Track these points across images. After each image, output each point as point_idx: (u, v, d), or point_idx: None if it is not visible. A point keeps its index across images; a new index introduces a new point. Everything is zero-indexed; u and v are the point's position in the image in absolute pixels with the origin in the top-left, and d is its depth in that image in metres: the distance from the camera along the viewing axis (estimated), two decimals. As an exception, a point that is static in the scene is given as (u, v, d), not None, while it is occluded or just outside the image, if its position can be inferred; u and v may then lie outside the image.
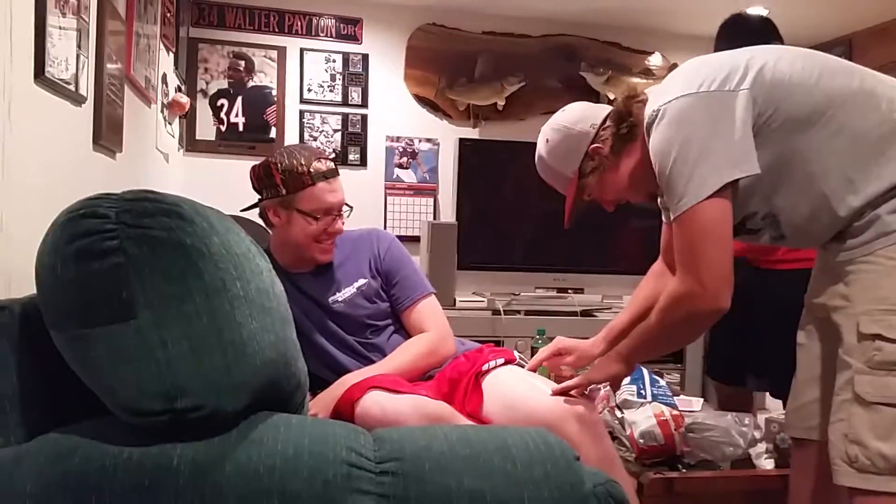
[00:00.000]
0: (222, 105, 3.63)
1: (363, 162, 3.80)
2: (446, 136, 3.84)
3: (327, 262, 1.88)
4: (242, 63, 3.65)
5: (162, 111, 2.84)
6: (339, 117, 3.77)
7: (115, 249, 0.86)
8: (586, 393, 1.59)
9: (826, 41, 3.85)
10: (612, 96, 3.86)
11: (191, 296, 0.87)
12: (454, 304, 3.30)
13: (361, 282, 1.88)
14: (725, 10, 2.51)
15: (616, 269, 3.63)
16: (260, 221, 1.91)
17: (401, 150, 3.84)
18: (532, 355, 2.36)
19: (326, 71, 3.75)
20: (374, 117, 3.81)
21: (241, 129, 3.65)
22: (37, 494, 0.82)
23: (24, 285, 0.99)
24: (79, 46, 1.60)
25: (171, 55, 3.04)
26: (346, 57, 3.77)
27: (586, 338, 1.82)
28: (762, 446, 1.82)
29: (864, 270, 1.29)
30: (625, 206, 1.63)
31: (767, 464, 1.80)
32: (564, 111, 1.60)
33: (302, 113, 3.73)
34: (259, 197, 1.86)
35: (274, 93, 3.69)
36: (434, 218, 3.82)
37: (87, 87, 1.70)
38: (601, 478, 0.96)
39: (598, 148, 1.53)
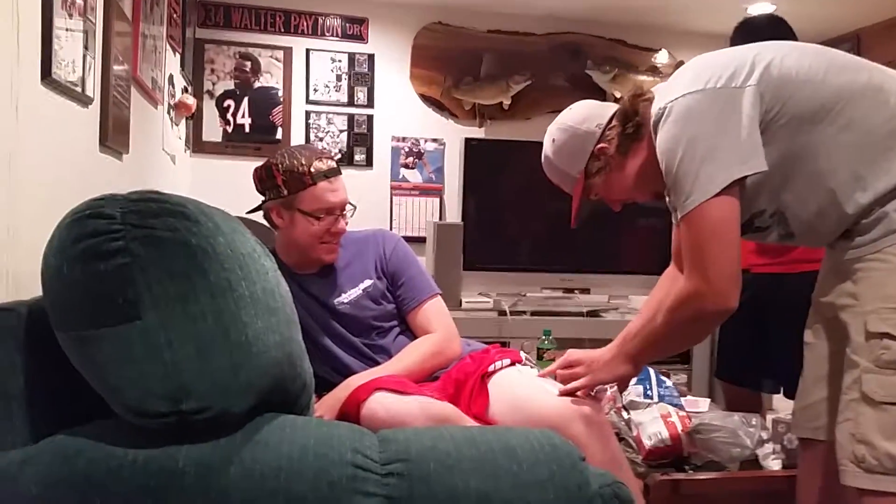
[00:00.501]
0: (228, 106, 3.64)
1: (369, 162, 3.80)
2: (452, 136, 3.84)
3: (332, 262, 1.88)
4: (249, 64, 3.66)
5: (168, 112, 2.85)
6: (345, 117, 3.77)
7: (120, 250, 0.86)
8: (593, 394, 1.59)
9: (834, 37, 3.83)
10: (618, 94, 3.85)
11: (196, 296, 0.87)
12: (460, 305, 3.30)
13: (367, 283, 1.88)
14: (731, 6, 2.51)
15: (623, 269, 3.63)
16: (266, 222, 1.92)
17: (406, 150, 3.84)
18: (538, 356, 2.36)
19: (332, 71, 3.76)
20: (379, 117, 3.81)
21: (247, 129, 3.66)
22: (43, 496, 0.82)
23: (31, 287, 0.99)
24: (85, 48, 1.60)
25: (178, 56, 3.05)
26: (351, 57, 3.77)
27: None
28: (769, 447, 1.81)
29: (873, 268, 1.28)
30: (631, 205, 1.63)
31: (775, 464, 1.79)
32: (570, 110, 1.60)
33: (308, 113, 3.74)
34: (263, 198, 1.86)
35: (280, 93, 3.69)
36: (440, 218, 3.82)
37: (93, 88, 1.70)
38: (607, 479, 0.96)
39: (604, 148, 1.52)
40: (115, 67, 1.87)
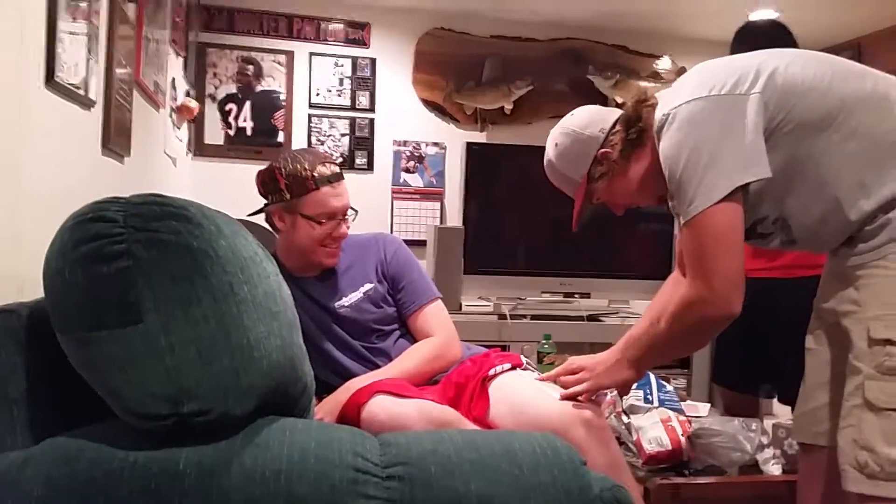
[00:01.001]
0: (230, 109, 3.65)
1: (370, 166, 3.80)
2: (453, 141, 3.84)
3: (333, 265, 1.88)
4: (251, 67, 3.66)
5: (171, 115, 2.85)
6: (347, 121, 3.78)
7: (122, 253, 0.86)
8: (593, 398, 1.59)
9: (835, 44, 3.84)
10: (620, 100, 3.85)
11: (198, 299, 0.87)
12: (460, 309, 3.30)
13: (368, 286, 1.88)
14: (734, 12, 2.52)
15: (623, 273, 3.63)
16: (267, 226, 1.92)
17: (408, 154, 3.84)
18: (539, 360, 2.36)
19: (334, 75, 3.76)
20: (381, 121, 3.81)
21: (249, 133, 3.67)
22: (44, 498, 0.82)
23: (35, 289, 0.99)
24: (89, 51, 1.61)
25: (181, 60, 3.06)
26: (354, 61, 3.78)
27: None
28: (769, 452, 1.81)
29: (875, 275, 1.28)
30: (633, 210, 1.63)
31: (775, 469, 1.79)
32: (573, 115, 1.60)
33: (310, 117, 3.74)
34: (265, 202, 1.86)
35: (282, 97, 3.70)
36: (441, 222, 3.82)
37: (96, 91, 1.71)
38: (608, 483, 0.95)
39: (607, 153, 1.52)
40: (118, 71, 1.87)
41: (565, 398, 1.56)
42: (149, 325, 0.86)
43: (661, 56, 4.04)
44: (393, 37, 3.81)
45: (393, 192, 3.82)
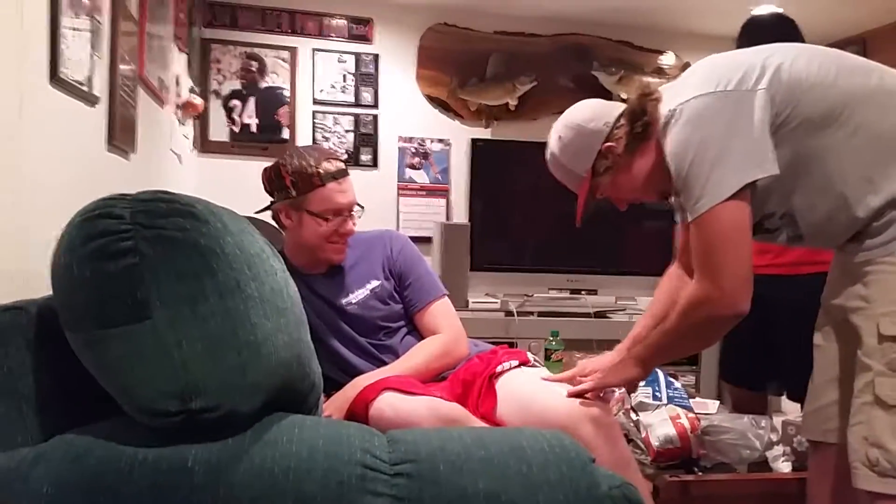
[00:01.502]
0: (235, 106, 3.64)
1: (375, 163, 3.80)
2: (458, 137, 3.84)
3: (340, 262, 1.88)
4: (255, 64, 3.66)
5: (175, 112, 2.85)
6: (351, 118, 3.77)
7: (130, 250, 0.86)
8: (601, 395, 1.58)
9: (839, 40, 3.81)
10: (624, 96, 3.83)
11: (205, 296, 0.87)
12: (467, 306, 3.29)
13: (374, 283, 1.88)
14: (738, 8, 2.50)
15: (630, 270, 3.62)
16: (273, 223, 1.92)
17: (413, 150, 3.84)
18: (546, 357, 2.36)
19: (338, 71, 3.76)
20: (385, 118, 3.81)
21: (253, 129, 3.66)
22: (53, 495, 0.82)
23: (40, 286, 0.99)
24: (92, 47, 1.60)
25: (184, 56, 3.06)
26: (357, 57, 3.77)
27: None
28: (779, 449, 1.80)
29: (884, 271, 1.28)
30: (638, 206, 1.62)
31: (784, 467, 1.79)
32: (576, 108, 1.59)
33: (314, 114, 3.74)
34: (271, 199, 1.86)
35: (286, 93, 3.69)
36: (446, 219, 3.82)
37: (100, 87, 1.70)
38: (616, 480, 0.95)
39: (611, 147, 1.51)
40: (122, 67, 1.87)
41: (572, 395, 1.55)
42: (156, 322, 0.85)
43: (666, 51, 4.03)
44: (396, 33, 3.80)
45: (399, 189, 3.82)
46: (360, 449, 0.89)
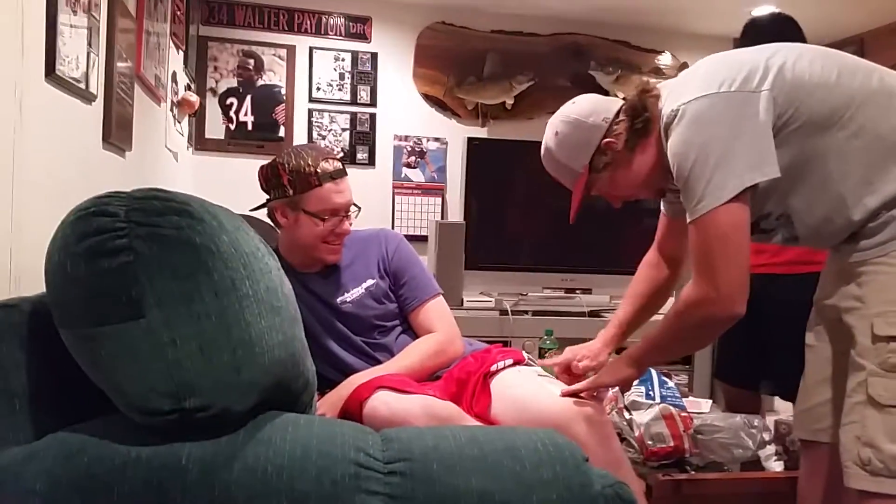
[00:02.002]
0: (231, 104, 3.64)
1: (371, 161, 3.80)
2: (455, 136, 3.84)
3: (335, 262, 1.88)
4: (252, 62, 3.66)
5: (171, 109, 2.85)
6: (348, 116, 3.77)
7: (124, 248, 0.86)
8: (595, 394, 1.59)
9: (837, 40, 3.82)
10: (621, 95, 3.83)
11: (200, 295, 0.87)
12: (462, 305, 3.30)
13: (370, 282, 1.88)
14: (735, 9, 2.51)
15: (624, 269, 3.58)
16: (269, 221, 1.91)
17: (409, 149, 3.84)
18: (540, 355, 2.36)
19: (335, 70, 3.76)
20: (382, 116, 3.81)
21: (250, 127, 3.66)
22: (47, 493, 0.82)
23: (34, 283, 0.99)
24: (89, 44, 1.60)
25: (181, 53, 3.05)
26: (354, 56, 3.77)
27: (592, 338, 1.80)
28: (771, 448, 1.81)
29: (879, 272, 1.28)
30: (634, 205, 1.62)
31: (776, 466, 1.79)
32: (575, 103, 1.56)
33: (311, 112, 3.74)
34: (267, 197, 1.86)
35: (283, 91, 3.69)
36: (442, 217, 3.82)
37: (97, 85, 1.70)
38: (610, 479, 0.95)
39: (611, 143, 1.48)
40: (119, 64, 1.87)
41: (567, 395, 1.56)
42: (151, 321, 0.85)
43: (663, 51, 4.04)
44: (394, 31, 3.80)
45: (394, 188, 3.82)
46: (353, 448, 0.90)
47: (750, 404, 2.33)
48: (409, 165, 3.84)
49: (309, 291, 1.83)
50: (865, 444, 1.24)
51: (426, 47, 3.83)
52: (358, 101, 3.78)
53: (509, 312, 3.29)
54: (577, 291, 3.55)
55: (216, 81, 3.63)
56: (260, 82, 3.67)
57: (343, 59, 3.76)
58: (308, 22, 3.72)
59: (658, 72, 3.96)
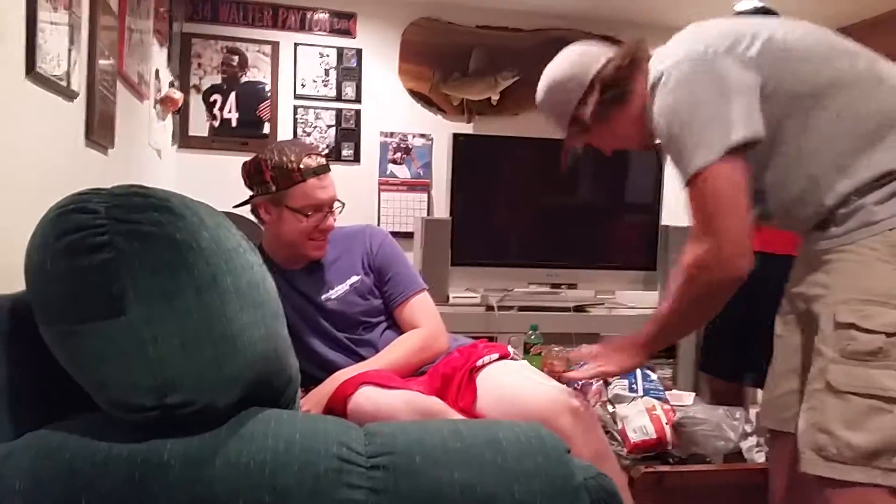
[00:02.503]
0: (215, 100, 3.62)
1: (357, 158, 3.79)
2: (440, 132, 3.84)
3: (320, 258, 1.88)
4: (236, 58, 3.64)
5: (155, 107, 2.83)
6: (333, 112, 3.76)
7: (104, 245, 0.85)
8: (578, 387, 1.60)
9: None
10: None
11: (181, 291, 0.87)
12: (447, 300, 3.30)
13: (354, 279, 1.88)
14: (718, 2, 2.52)
15: (609, 264, 3.64)
16: (253, 218, 1.91)
17: (395, 145, 3.83)
18: (525, 351, 2.37)
19: (320, 66, 3.75)
20: (367, 112, 3.80)
21: (234, 124, 3.64)
22: (27, 491, 0.82)
23: (14, 281, 0.99)
24: (71, 42, 1.59)
25: (164, 50, 3.03)
26: (339, 52, 3.76)
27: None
28: (753, 440, 1.83)
29: (846, 259, 1.28)
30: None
31: (758, 457, 1.81)
32: (561, 60, 1.56)
33: (296, 108, 3.73)
34: (251, 194, 1.86)
35: (267, 88, 3.68)
36: (428, 213, 3.82)
37: (79, 82, 1.69)
38: (592, 471, 0.96)
39: (580, 114, 1.50)
40: (101, 62, 1.86)
41: (567, 379, 1.54)
42: (132, 318, 0.85)
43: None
44: (379, 27, 3.80)
45: (380, 184, 3.81)
46: (336, 442, 0.90)
47: (734, 397, 2.35)
48: (394, 162, 3.84)
49: (293, 289, 1.84)
50: (821, 431, 1.24)
51: (411, 43, 3.83)
52: (343, 98, 3.78)
53: (495, 308, 3.30)
54: (563, 287, 3.56)
55: (200, 78, 3.61)
56: (244, 79, 3.65)
57: (328, 56, 3.75)
58: (292, 18, 3.71)
59: (642, 67, 3.97)
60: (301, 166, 1.78)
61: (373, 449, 0.91)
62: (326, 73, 3.75)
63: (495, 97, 3.86)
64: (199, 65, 3.60)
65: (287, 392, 1.06)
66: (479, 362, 1.72)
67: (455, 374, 1.73)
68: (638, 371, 1.96)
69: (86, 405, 0.92)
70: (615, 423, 1.82)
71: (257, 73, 3.67)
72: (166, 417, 0.88)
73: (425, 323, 1.87)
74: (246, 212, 1.90)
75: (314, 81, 3.74)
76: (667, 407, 1.82)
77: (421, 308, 1.90)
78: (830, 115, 1.30)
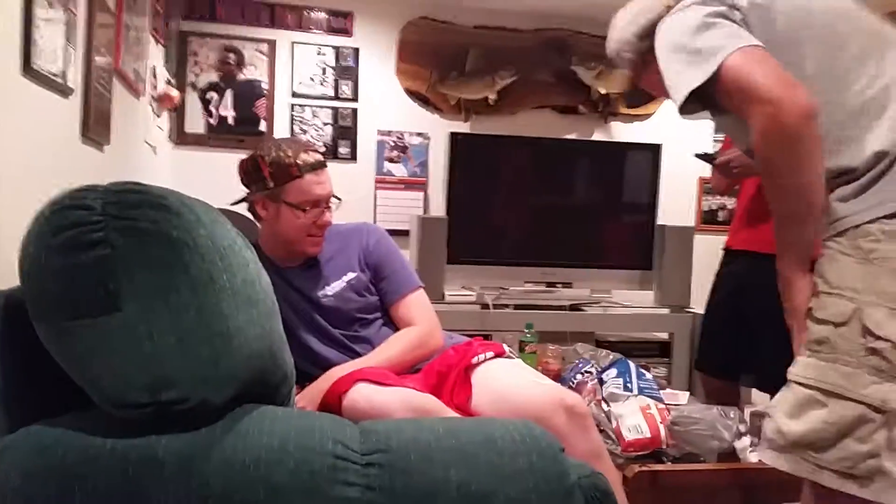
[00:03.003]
0: (212, 98, 3.62)
1: (353, 156, 3.79)
2: (437, 131, 3.84)
3: (317, 254, 1.88)
4: (233, 56, 3.64)
5: (151, 104, 2.83)
6: (330, 111, 3.76)
7: (100, 241, 0.86)
8: (573, 385, 1.61)
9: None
10: (602, 91, 3.86)
11: (177, 288, 0.87)
12: (443, 298, 3.30)
13: (351, 275, 1.88)
14: (715, 5, 2.51)
15: (605, 264, 3.64)
16: (249, 215, 1.91)
17: (391, 144, 3.83)
18: (520, 349, 2.37)
19: (317, 64, 3.74)
20: (364, 111, 3.80)
21: (231, 122, 3.64)
22: (21, 487, 0.82)
23: (9, 276, 0.99)
24: (67, 39, 1.59)
25: (161, 48, 3.03)
26: (337, 50, 3.76)
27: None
28: (747, 439, 1.83)
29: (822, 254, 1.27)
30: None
31: (752, 457, 1.81)
32: (628, 12, 1.72)
33: (292, 106, 3.72)
34: (248, 190, 1.86)
35: (264, 86, 3.68)
36: (424, 212, 3.82)
37: (75, 79, 1.69)
38: (586, 470, 0.97)
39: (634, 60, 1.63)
40: (98, 59, 1.86)
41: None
42: (127, 314, 0.85)
43: (644, 47, 4.05)
44: (376, 26, 3.80)
45: (376, 182, 3.81)
46: (331, 439, 0.90)
47: (729, 396, 2.36)
48: (391, 160, 3.83)
49: (290, 286, 1.84)
50: (769, 417, 1.27)
51: (409, 42, 3.83)
52: (340, 96, 3.77)
53: (490, 306, 3.30)
54: (558, 285, 3.56)
55: (196, 76, 3.60)
56: (241, 77, 3.65)
57: (325, 54, 3.75)
58: (290, 17, 3.71)
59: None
60: (298, 162, 1.78)
61: (368, 446, 0.91)
62: (323, 71, 3.75)
63: (492, 97, 3.86)
64: (196, 62, 3.60)
65: (282, 389, 1.06)
66: (475, 360, 1.73)
67: (450, 371, 1.73)
68: (633, 370, 1.97)
69: (80, 401, 0.92)
70: (610, 421, 1.82)
71: (254, 71, 3.66)
72: (161, 414, 0.88)
73: (421, 320, 1.87)
74: (242, 209, 1.90)
75: (311, 80, 3.74)
76: (661, 406, 1.83)
77: (416, 306, 1.90)
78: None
